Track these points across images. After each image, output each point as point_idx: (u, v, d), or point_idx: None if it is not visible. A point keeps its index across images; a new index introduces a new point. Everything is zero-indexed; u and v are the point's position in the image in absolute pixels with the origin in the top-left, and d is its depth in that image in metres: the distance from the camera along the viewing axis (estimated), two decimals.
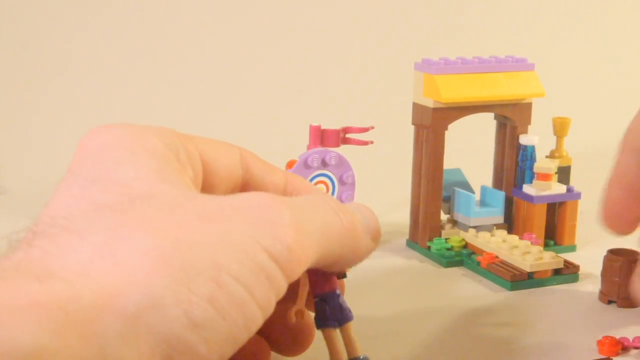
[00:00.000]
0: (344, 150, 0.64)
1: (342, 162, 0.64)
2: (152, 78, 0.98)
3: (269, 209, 0.34)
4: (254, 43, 1.03)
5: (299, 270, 0.35)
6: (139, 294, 0.30)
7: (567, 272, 0.60)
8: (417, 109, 0.65)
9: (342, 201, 0.62)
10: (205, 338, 0.31)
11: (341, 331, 0.41)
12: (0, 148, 0.87)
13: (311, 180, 0.62)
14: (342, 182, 0.64)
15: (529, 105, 0.66)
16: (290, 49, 1.04)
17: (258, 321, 0.33)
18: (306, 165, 0.63)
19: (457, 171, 0.69)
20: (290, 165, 0.62)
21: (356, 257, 0.40)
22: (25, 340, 0.27)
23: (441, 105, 0.64)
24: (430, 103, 0.64)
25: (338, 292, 0.41)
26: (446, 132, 0.64)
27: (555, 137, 0.67)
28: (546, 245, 0.66)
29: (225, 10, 1.03)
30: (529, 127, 0.66)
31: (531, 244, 0.62)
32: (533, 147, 0.66)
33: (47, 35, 0.98)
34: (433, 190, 0.65)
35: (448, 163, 0.65)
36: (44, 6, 0.98)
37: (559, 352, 0.50)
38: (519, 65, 0.66)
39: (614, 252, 0.57)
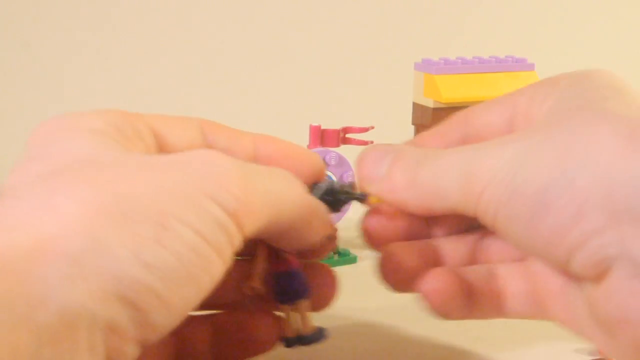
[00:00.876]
0: (344, 150, 0.64)
1: (342, 162, 0.64)
2: (152, 78, 0.98)
3: (215, 162, 0.34)
4: (254, 43, 1.03)
5: (249, 221, 0.34)
6: (82, 238, 0.29)
7: None
8: (417, 109, 0.65)
9: None
10: (160, 277, 0.30)
11: (295, 308, 0.42)
12: (0, 148, 0.87)
13: None
14: (342, 182, 0.64)
15: None
16: (289, 49, 1.04)
17: (217, 266, 0.33)
18: None
19: None
20: None
21: (309, 235, 0.39)
22: None
23: (441, 105, 0.64)
24: (430, 103, 0.64)
25: (296, 272, 0.42)
26: None
27: None
28: None
29: (224, 10, 1.03)
30: None
31: None
32: None
33: (47, 35, 0.98)
34: None
35: None
36: (44, 6, 0.98)
37: (558, 352, 0.50)
38: (519, 65, 0.66)
39: None
